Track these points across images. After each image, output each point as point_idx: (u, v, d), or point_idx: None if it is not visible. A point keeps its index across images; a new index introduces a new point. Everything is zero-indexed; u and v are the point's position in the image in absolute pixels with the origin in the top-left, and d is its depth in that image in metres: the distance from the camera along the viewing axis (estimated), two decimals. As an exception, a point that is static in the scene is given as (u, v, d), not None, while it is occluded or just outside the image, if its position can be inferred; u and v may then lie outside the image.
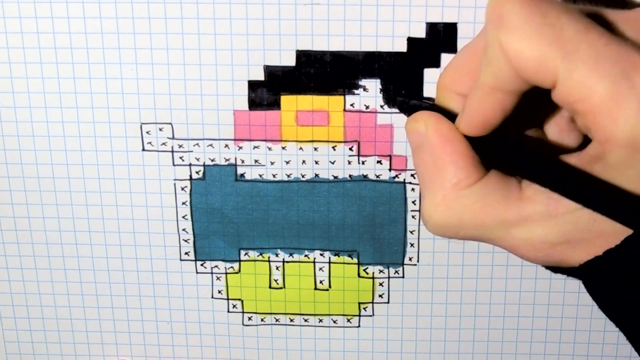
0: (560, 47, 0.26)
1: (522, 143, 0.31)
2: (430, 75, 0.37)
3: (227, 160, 0.39)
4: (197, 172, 0.40)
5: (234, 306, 0.42)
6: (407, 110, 0.35)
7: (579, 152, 0.30)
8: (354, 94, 0.37)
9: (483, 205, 0.31)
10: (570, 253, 0.30)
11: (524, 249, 0.31)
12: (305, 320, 0.43)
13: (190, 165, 0.40)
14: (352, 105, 0.38)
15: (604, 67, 0.26)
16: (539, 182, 0.30)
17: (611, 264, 0.30)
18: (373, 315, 0.42)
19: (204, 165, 0.39)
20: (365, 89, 0.37)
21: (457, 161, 0.31)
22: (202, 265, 0.42)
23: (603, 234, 0.29)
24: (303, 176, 0.39)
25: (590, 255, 0.30)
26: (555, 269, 0.32)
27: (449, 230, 0.32)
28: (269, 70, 0.37)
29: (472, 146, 0.31)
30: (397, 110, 0.38)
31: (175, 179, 0.40)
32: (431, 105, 0.33)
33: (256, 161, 0.39)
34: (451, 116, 0.32)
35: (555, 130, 0.33)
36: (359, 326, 0.43)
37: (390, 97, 0.37)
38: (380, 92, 0.37)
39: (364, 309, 0.42)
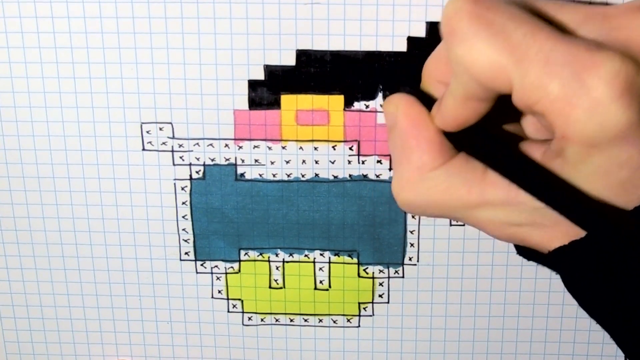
0: (510, 53, 0.27)
1: (491, 133, 0.32)
2: (431, 74, 0.37)
3: (227, 159, 0.39)
4: (197, 172, 0.40)
5: (234, 306, 0.42)
6: (391, 92, 0.36)
7: (545, 146, 0.31)
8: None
9: (446, 188, 0.32)
10: (534, 234, 0.32)
11: (488, 227, 0.33)
12: (305, 320, 0.43)
13: (190, 164, 0.40)
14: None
15: (554, 69, 0.27)
16: (500, 172, 0.31)
17: (577, 254, 0.30)
18: (373, 315, 0.42)
19: (204, 165, 0.39)
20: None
21: (423, 145, 0.32)
22: (202, 265, 0.42)
23: (562, 221, 0.30)
24: (303, 176, 0.39)
25: (554, 239, 0.31)
26: (527, 256, 0.34)
27: (415, 209, 0.34)
28: (269, 70, 0.37)
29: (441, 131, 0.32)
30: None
31: (175, 179, 0.40)
32: (409, 90, 0.34)
33: (256, 161, 0.39)
34: (431, 101, 0.33)
35: (531, 125, 0.34)
36: (359, 326, 0.43)
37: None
38: (380, 92, 0.38)
39: (364, 309, 0.42)
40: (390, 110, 0.33)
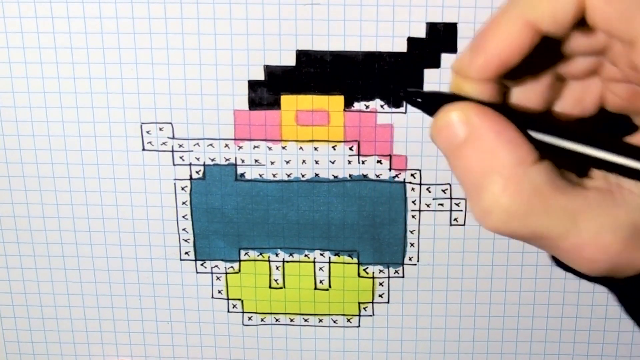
0: None
1: (570, 127, 0.29)
2: (430, 76, 0.37)
3: (227, 159, 0.39)
4: (197, 172, 0.40)
5: (234, 306, 0.42)
6: (423, 102, 0.31)
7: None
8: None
9: (553, 187, 0.27)
10: None
11: (591, 250, 0.28)
12: (305, 320, 0.43)
13: (190, 165, 0.40)
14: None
15: None
16: (603, 167, 0.27)
17: None
18: (373, 315, 0.42)
19: (204, 165, 0.39)
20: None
21: (514, 142, 0.27)
22: (202, 265, 0.42)
23: None
24: (303, 176, 0.39)
25: None
26: (603, 281, 0.29)
27: (514, 220, 0.28)
28: (269, 70, 0.37)
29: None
30: (396, 110, 0.38)
31: (175, 179, 0.40)
32: (452, 95, 0.30)
33: (256, 161, 0.39)
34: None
35: (570, 102, 0.31)
36: (359, 326, 0.43)
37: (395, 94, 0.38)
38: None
39: (364, 308, 0.42)
40: (457, 124, 0.28)
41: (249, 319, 0.43)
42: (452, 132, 0.28)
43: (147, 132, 0.39)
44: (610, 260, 0.27)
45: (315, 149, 0.39)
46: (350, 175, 0.39)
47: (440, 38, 0.36)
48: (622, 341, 0.42)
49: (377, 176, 0.39)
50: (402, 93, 0.33)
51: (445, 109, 0.29)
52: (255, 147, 0.39)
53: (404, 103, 0.38)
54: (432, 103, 0.30)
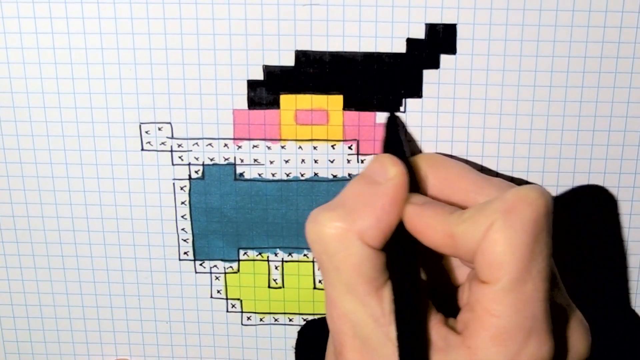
0: None
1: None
2: (430, 77, 0.37)
3: (226, 159, 0.39)
4: (196, 172, 0.40)
5: (233, 306, 0.42)
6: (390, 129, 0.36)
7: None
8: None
9: (356, 264, 0.31)
10: None
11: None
12: (304, 320, 0.43)
13: (189, 164, 0.40)
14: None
15: None
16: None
17: None
18: (372, 314, 0.42)
19: (203, 165, 0.39)
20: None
21: (383, 221, 0.31)
22: (201, 265, 0.42)
23: None
24: (302, 175, 0.39)
25: None
26: None
27: (315, 243, 0.33)
28: (268, 70, 0.37)
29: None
30: (394, 110, 0.38)
31: (174, 179, 0.40)
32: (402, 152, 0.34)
33: (255, 160, 0.39)
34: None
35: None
36: (358, 325, 0.43)
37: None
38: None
39: (363, 308, 0.42)
40: (389, 171, 0.32)
41: (248, 318, 0.43)
42: (377, 167, 0.32)
43: (146, 132, 0.39)
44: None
45: (315, 148, 0.39)
46: (349, 175, 0.39)
47: (440, 39, 0.36)
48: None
49: (376, 176, 0.39)
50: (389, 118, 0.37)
51: (387, 159, 0.32)
52: (254, 146, 0.39)
53: (403, 102, 0.38)
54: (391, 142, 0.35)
